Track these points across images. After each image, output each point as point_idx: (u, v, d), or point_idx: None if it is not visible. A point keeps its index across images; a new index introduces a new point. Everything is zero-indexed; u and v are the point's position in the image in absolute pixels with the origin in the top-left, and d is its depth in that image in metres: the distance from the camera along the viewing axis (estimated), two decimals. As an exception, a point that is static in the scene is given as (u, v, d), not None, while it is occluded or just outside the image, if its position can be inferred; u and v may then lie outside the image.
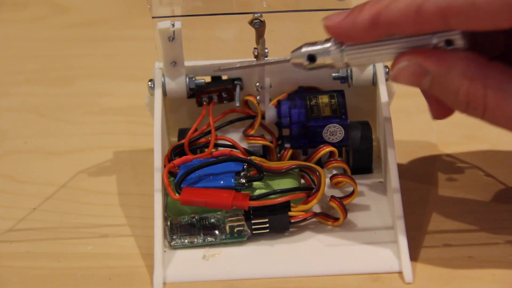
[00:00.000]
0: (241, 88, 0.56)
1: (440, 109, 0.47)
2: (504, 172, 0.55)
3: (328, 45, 0.46)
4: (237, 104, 0.55)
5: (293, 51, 0.47)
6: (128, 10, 0.80)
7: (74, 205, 0.55)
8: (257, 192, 0.50)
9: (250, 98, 0.55)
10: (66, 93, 0.68)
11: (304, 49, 0.46)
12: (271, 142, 0.54)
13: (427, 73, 0.44)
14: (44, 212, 0.54)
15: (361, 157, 0.54)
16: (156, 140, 0.51)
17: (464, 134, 0.59)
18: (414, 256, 0.48)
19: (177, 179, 0.50)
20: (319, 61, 0.46)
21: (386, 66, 0.54)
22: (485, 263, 0.48)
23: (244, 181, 0.49)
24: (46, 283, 0.48)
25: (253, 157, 0.51)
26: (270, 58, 0.50)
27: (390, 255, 0.48)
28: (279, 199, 0.49)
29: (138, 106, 0.62)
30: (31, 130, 0.63)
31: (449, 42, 0.44)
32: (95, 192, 0.56)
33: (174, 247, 0.49)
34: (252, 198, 0.49)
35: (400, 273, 0.47)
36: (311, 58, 0.46)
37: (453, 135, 0.59)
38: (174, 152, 0.52)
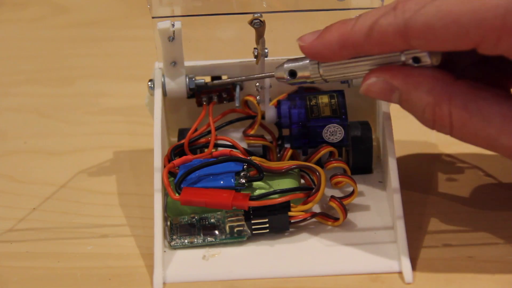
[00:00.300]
0: (241, 88, 0.56)
1: None
2: (504, 172, 0.55)
3: (306, 61, 0.49)
4: (237, 104, 0.55)
5: (277, 67, 0.50)
6: (128, 10, 0.80)
7: (74, 205, 0.55)
8: (257, 192, 0.50)
9: (250, 98, 0.55)
10: (66, 93, 0.68)
11: (286, 65, 0.49)
12: (271, 142, 0.54)
13: (395, 89, 0.45)
14: (44, 212, 0.54)
15: (361, 157, 0.54)
16: (156, 140, 0.51)
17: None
18: (414, 256, 0.48)
19: (177, 179, 0.50)
20: (299, 75, 0.49)
21: None
22: (485, 263, 0.48)
23: (244, 181, 0.49)
24: (46, 283, 0.49)
25: (253, 157, 0.51)
26: (255, 75, 0.53)
27: (390, 255, 0.48)
28: (279, 199, 0.49)
29: (138, 106, 0.62)
30: (31, 130, 0.63)
31: (416, 60, 0.45)
32: (95, 192, 0.56)
33: (174, 247, 0.49)
34: (252, 198, 0.49)
35: (400, 273, 0.47)
36: (292, 73, 0.49)
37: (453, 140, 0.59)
38: (174, 152, 0.52)
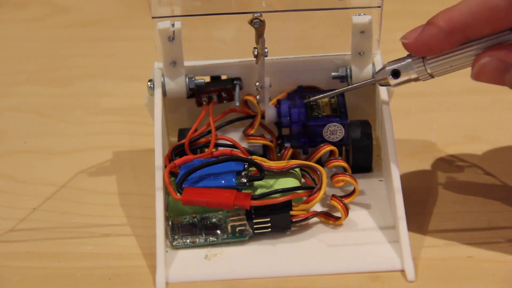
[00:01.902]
0: (241, 88, 0.56)
1: None
2: (504, 172, 0.55)
3: (410, 59, 0.48)
4: (237, 104, 0.55)
5: (377, 72, 0.50)
6: (128, 10, 0.80)
7: (74, 205, 0.55)
8: (258, 191, 0.50)
9: (250, 98, 0.55)
10: (66, 93, 0.68)
11: (388, 67, 0.49)
12: (271, 141, 0.54)
13: (510, 67, 0.44)
14: (44, 212, 0.54)
15: (361, 155, 0.54)
16: (156, 140, 0.51)
17: (464, 134, 0.59)
18: (414, 255, 0.48)
19: (178, 179, 0.50)
20: (403, 76, 0.48)
21: None
22: (485, 263, 0.48)
23: (245, 180, 0.49)
24: (46, 283, 0.48)
25: (253, 157, 0.51)
26: (356, 84, 0.52)
27: (392, 254, 0.48)
28: (281, 199, 0.49)
29: (138, 106, 0.62)
30: (31, 130, 0.63)
31: None
32: (95, 192, 0.56)
33: (176, 247, 0.49)
34: (254, 198, 0.49)
35: (402, 271, 0.47)
36: (395, 73, 0.49)
37: (453, 135, 0.59)
38: (175, 152, 0.52)
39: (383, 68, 0.49)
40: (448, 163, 0.56)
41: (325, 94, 0.53)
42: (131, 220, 0.53)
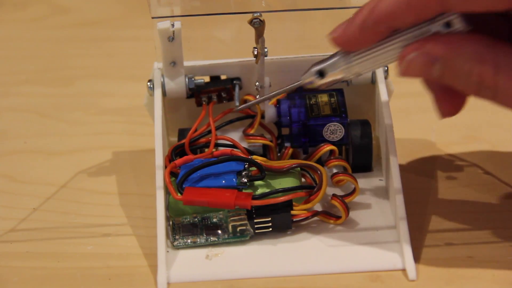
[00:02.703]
0: (240, 88, 0.56)
1: (448, 104, 0.47)
2: (504, 172, 0.55)
3: (335, 58, 0.47)
4: (237, 104, 0.55)
5: (302, 74, 0.48)
6: (128, 10, 0.80)
7: (74, 205, 0.55)
8: (259, 191, 0.50)
9: (250, 98, 0.55)
10: (66, 93, 0.68)
11: (313, 68, 0.47)
12: (271, 141, 0.54)
13: (437, 60, 0.44)
14: (44, 212, 0.54)
15: (361, 154, 0.54)
16: (157, 140, 0.51)
17: (464, 134, 0.59)
18: (414, 255, 0.48)
19: (178, 179, 0.50)
20: (329, 75, 0.47)
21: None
22: (485, 263, 0.48)
23: (246, 180, 0.49)
24: (46, 283, 0.48)
25: (254, 157, 0.51)
26: (282, 88, 0.51)
27: (393, 253, 0.48)
28: (281, 198, 0.49)
29: (138, 106, 0.62)
30: (31, 130, 0.63)
31: (447, 25, 0.44)
32: (95, 192, 0.56)
33: (177, 247, 0.49)
34: (255, 198, 0.49)
35: (403, 270, 0.47)
36: (321, 73, 0.47)
37: (453, 135, 0.59)
38: (175, 152, 0.52)
39: (309, 69, 0.48)
40: (448, 163, 0.56)
41: (250, 103, 0.53)
42: (131, 220, 0.53)
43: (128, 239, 0.51)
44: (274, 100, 0.55)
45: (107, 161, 0.59)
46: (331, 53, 0.47)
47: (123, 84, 0.69)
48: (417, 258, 0.48)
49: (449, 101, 0.46)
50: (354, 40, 0.45)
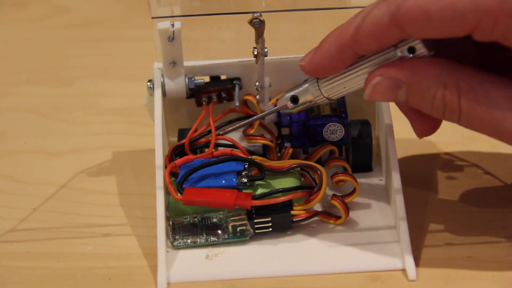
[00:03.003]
0: (240, 88, 0.56)
1: (423, 125, 0.48)
2: (504, 172, 0.55)
3: (306, 84, 0.49)
4: (237, 104, 0.55)
5: (278, 99, 0.50)
6: (128, 10, 0.80)
7: (74, 205, 0.55)
8: (259, 191, 0.50)
9: (250, 98, 0.55)
10: (66, 93, 0.68)
11: (286, 94, 0.50)
12: (271, 141, 0.54)
13: (401, 84, 0.45)
14: (44, 212, 0.54)
15: (361, 154, 0.54)
16: (157, 141, 0.51)
17: (464, 134, 0.59)
18: (414, 255, 0.48)
19: (178, 179, 0.50)
20: (301, 100, 0.49)
21: None
22: (485, 263, 0.48)
23: (246, 180, 0.49)
24: (46, 283, 0.48)
25: (254, 157, 0.51)
26: (262, 113, 0.53)
27: (392, 254, 0.48)
28: (281, 198, 0.49)
29: (138, 106, 0.62)
30: (31, 130, 0.63)
31: (411, 50, 0.44)
32: (95, 192, 0.56)
33: (177, 247, 0.49)
34: (255, 198, 0.49)
35: (403, 270, 0.47)
36: (294, 99, 0.49)
37: (453, 135, 0.59)
38: (175, 152, 0.52)
39: (283, 95, 0.50)
40: (448, 163, 0.56)
41: (234, 127, 0.53)
42: (131, 220, 0.53)
43: (128, 239, 0.51)
44: (274, 100, 0.55)
45: (107, 161, 0.59)
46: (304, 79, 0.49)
47: (123, 84, 0.69)
48: (417, 258, 0.48)
49: (424, 122, 0.47)
50: (321, 68, 0.47)
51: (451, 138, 0.59)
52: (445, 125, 0.58)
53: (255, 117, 0.53)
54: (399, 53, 0.45)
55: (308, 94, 0.49)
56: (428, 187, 0.54)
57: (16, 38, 0.77)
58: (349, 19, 0.45)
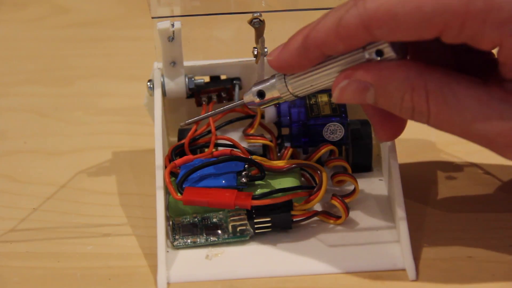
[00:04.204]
0: (240, 88, 0.56)
1: (386, 129, 0.48)
2: (504, 172, 0.55)
3: (273, 80, 0.48)
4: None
5: (245, 93, 0.49)
6: (128, 10, 0.80)
7: (74, 205, 0.55)
8: (259, 191, 0.50)
9: None
10: (66, 93, 0.68)
11: (253, 88, 0.49)
12: (271, 141, 0.54)
13: (369, 87, 0.44)
14: (44, 212, 0.54)
15: (361, 154, 0.54)
16: (157, 140, 0.51)
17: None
18: (414, 255, 0.48)
19: (178, 179, 0.50)
20: (268, 95, 0.48)
21: None
22: (485, 263, 0.48)
23: (245, 180, 0.49)
24: (46, 283, 0.48)
25: (254, 157, 0.51)
26: (227, 105, 0.52)
27: (393, 253, 0.48)
28: (282, 198, 0.49)
29: (137, 106, 0.62)
30: (31, 130, 0.63)
31: (379, 53, 0.44)
32: (95, 192, 0.56)
33: (177, 247, 0.49)
34: (255, 197, 0.48)
35: (403, 270, 0.47)
36: (260, 94, 0.49)
37: (453, 135, 0.59)
38: (175, 152, 0.52)
39: (250, 88, 0.49)
40: (448, 163, 0.56)
41: (199, 117, 0.53)
42: (131, 220, 0.53)
43: (128, 239, 0.51)
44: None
45: (107, 161, 0.59)
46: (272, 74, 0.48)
47: (123, 84, 0.69)
48: (417, 258, 0.48)
49: (387, 125, 0.48)
50: (287, 64, 0.46)
51: (451, 138, 0.59)
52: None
53: (223, 108, 0.52)
54: (367, 55, 0.44)
55: (275, 90, 0.48)
56: (428, 187, 0.54)
57: (16, 38, 0.77)
58: (318, 18, 0.45)
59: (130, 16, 0.79)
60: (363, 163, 0.54)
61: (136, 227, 0.52)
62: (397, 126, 0.47)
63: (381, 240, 0.49)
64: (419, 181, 0.55)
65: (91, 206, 0.54)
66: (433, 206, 0.52)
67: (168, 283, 0.47)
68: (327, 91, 0.54)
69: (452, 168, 0.56)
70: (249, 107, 0.51)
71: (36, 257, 0.51)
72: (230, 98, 0.55)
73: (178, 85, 0.54)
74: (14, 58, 0.74)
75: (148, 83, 0.54)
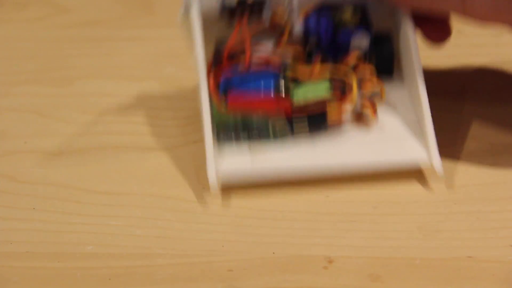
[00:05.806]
0: (269, 9, 0.56)
1: (435, 32, 0.51)
2: (504, 172, 0.55)
3: None
4: (266, 25, 0.56)
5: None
6: (128, 10, 0.80)
7: (74, 205, 0.55)
8: (297, 96, 0.53)
9: (278, 13, 0.56)
10: (66, 93, 0.68)
11: None
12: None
13: None
14: (44, 212, 0.54)
15: (383, 57, 0.56)
16: (198, 54, 0.54)
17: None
18: (413, 256, 0.48)
19: (221, 87, 0.52)
20: None
21: None
22: (485, 263, 0.48)
23: (283, 86, 0.52)
24: (46, 283, 0.49)
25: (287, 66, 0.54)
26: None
27: (419, 148, 0.52)
28: (318, 102, 0.52)
29: (138, 106, 0.62)
30: (31, 130, 0.63)
31: None
32: (95, 192, 0.56)
33: (221, 146, 0.53)
34: (293, 103, 0.52)
35: (428, 167, 0.51)
36: None
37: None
38: (215, 61, 0.55)
39: None
40: (448, 162, 0.56)
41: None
42: (131, 220, 0.53)
43: (128, 239, 0.51)
44: (301, 14, 0.56)
45: (107, 161, 0.59)
46: None
47: (123, 84, 0.69)
48: (417, 258, 0.48)
49: (436, 29, 0.51)
50: None
51: (451, 137, 0.59)
52: (445, 125, 0.58)
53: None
54: None
55: None
56: (428, 187, 0.54)
57: (16, 38, 0.77)
58: None
59: (130, 16, 0.79)
60: (385, 66, 0.57)
61: (136, 227, 0.52)
62: (444, 30, 0.52)
63: (408, 137, 0.53)
64: (419, 181, 0.55)
65: (91, 206, 0.55)
66: (433, 206, 0.52)
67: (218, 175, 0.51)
68: (351, 6, 0.56)
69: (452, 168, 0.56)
70: None
71: (36, 257, 0.51)
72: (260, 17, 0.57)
73: (211, 2, 0.56)
74: (14, 58, 0.74)
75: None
